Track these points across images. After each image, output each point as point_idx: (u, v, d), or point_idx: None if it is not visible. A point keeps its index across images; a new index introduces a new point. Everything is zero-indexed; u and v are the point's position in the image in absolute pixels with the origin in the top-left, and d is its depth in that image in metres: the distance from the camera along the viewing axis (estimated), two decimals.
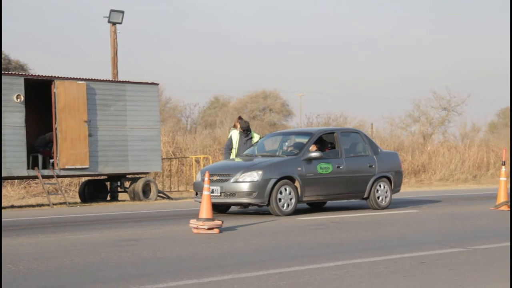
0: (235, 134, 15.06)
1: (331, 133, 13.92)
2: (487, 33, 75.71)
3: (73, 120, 17.19)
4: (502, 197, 13.51)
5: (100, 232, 10.34)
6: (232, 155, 14.99)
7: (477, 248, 8.16)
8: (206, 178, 10.19)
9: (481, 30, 76.74)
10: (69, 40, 68.94)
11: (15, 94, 16.42)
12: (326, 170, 13.10)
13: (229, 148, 15.10)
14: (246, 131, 15.07)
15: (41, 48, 66.85)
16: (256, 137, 15.16)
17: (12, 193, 21.15)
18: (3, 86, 16.34)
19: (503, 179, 13.62)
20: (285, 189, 12.58)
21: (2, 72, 20.78)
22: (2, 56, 36.11)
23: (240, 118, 15.89)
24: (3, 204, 18.11)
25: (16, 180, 20.95)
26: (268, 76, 74.92)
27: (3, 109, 16.30)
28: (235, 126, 15.53)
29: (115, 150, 18.04)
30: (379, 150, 14.31)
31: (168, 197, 19.48)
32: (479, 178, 30.94)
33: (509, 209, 13.35)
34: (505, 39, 70.22)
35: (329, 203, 15.04)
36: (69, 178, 21.46)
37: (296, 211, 12.92)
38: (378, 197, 13.88)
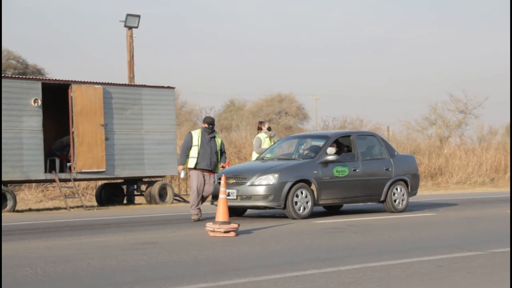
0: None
1: (347, 136, 13.88)
2: (505, 33, 75.23)
3: (89, 124, 17.27)
4: None
5: (116, 235, 10.38)
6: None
7: (495, 252, 8.10)
8: (222, 182, 10.20)
9: (497, 30, 76.29)
10: (86, 44, 69.34)
11: (32, 98, 16.53)
12: (343, 173, 13.07)
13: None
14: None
15: (58, 52, 67.28)
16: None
17: (30, 197, 21.28)
18: (21, 90, 16.47)
19: None
20: (301, 192, 12.56)
21: (20, 76, 20.89)
22: (20, 60, 36.40)
23: (260, 122, 15.98)
24: (21, 208, 18.23)
25: (33, 184, 21.07)
26: (284, 80, 74.88)
27: (21, 113, 16.42)
28: (260, 129, 15.62)
29: (131, 153, 18.11)
30: (395, 153, 14.26)
31: (185, 201, 19.51)
32: (497, 181, 30.72)
33: None
34: None
35: (346, 206, 14.99)
36: (86, 182, 21.54)
37: (313, 214, 12.89)
38: (395, 200, 13.82)
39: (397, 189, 13.86)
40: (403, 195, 13.95)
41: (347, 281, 6.37)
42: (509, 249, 8.26)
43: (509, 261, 7.41)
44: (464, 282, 6.35)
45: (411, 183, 14.19)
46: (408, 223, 11.93)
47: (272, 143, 15.17)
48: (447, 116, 41.04)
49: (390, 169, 13.82)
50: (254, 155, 15.27)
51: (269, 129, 15.63)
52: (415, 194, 14.57)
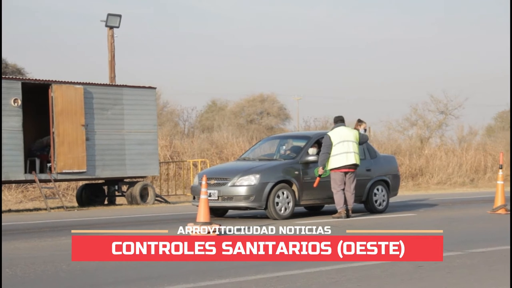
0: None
1: None
2: (483, 37, 75.89)
3: (70, 124, 17.19)
4: (499, 200, 13.51)
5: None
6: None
7: (474, 252, 8.17)
8: (204, 182, 10.19)
9: (476, 33, 76.93)
10: (66, 44, 68.95)
11: (12, 98, 16.41)
12: (324, 173, 13.09)
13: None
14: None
15: (38, 51, 66.85)
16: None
17: (10, 197, 21.11)
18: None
19: (500, 182, 13.63)
20: (283, 193, 12.59)
21: None
22: None
23: (359, 120, 15.60)
24: None
25: (13, 184, 20.92)
26: (266, 80, 75.00)
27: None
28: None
29: (112, 154, 18.04)
30: (376, 153, 14.32)
31: (166, 201, 19.47)
32: (477, 182, 30.96)
33: (506, 212, 13.37)
34: (500, 42, 70.36)
35: (327, 206, 15.03)
36: (66, 182, 21.44)
37: (294, 215, 12.92)
38: (376, 201, 13.89)
39: (378, 189, 13.93)
40: (383, 195, 14.02)
41: (328, 282, 6.40)
42: (488, 249, 8.35)
43: (488, 261, 7.49)
44: (444, 282, 6.40)
45: (392, 183, 14.26)
46: (388, 223, 11.98)
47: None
48: (427, 117, 41.28)
49: (371, 170, 13.88)
50: None
51: (364, 131, 15.23)
52: (395, 194, 14.65)
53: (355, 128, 15.23)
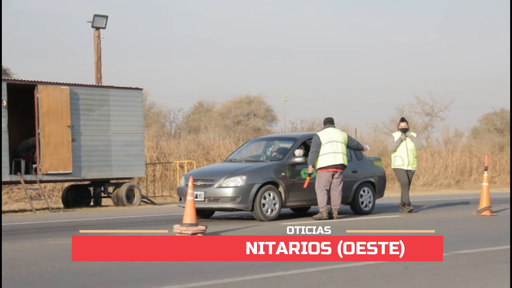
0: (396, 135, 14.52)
1: None
2: (468, 41, 76.29)
3: (56, 125, 17.11)
4: (485, 202, 13.58)
5: None
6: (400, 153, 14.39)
7: (460, 253, 8.20)
8: (190, 183, 10.17)
9: (463, 37, 77.38)
10: (53, 44, 68.64)
11: None
12: (313, 173, 13.11)
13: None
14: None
15: (24, 52, 66.50)
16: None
17: None
18: None
19: (485, 184, 13.70)
20: (269, 194, 12.59)
21: None
22: None
23: (402, 119, 15.23)
24: None
25: None
26: (253, 81, 74.95)
27: None
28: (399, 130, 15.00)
29: (98, 155, 17.98)
30: (362, 155, 14.36)
31: (152, 202, 19.42)
32: (462, 183, 31.12)
33: (491, 214, 13.45)
34: (486, 45, 70.81)
35: (313, 208, 15.05)
36: (52, 183, 21.35)
37: (280, 216, 12.93)
38: (362, 202, 13.93)
39: (364, 191, 13.97)
40: (370, 197, 14.06)
41: (314, 283, 6.40)
42: (473, 250, 8.39)
43: (473, 262, 7.52)
44: (430, 283, 6.42)
45: (378, 185, 14.31)
46: (375, 225, 12.01)
47: (407, 146, 14.39)
48: (413, 119, 41.42)
49: (357, 171, 13.91)
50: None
51: (404, 130, 14.48)
52: (381, 196, 14.70)
53: (398, 129, 14.91)
